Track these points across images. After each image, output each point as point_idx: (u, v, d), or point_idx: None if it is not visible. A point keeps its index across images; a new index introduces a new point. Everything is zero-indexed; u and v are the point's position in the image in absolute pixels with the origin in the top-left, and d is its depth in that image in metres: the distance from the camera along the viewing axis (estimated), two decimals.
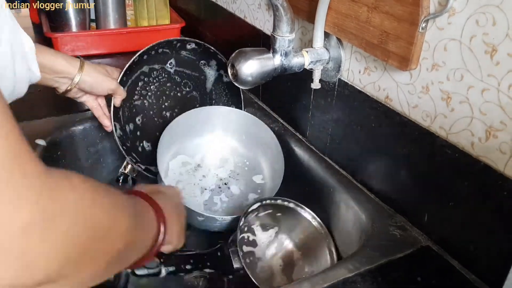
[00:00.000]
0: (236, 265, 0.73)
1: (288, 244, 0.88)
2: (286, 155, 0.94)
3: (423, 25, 0.62)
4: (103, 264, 0.37)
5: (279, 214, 0.85)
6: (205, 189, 0.95)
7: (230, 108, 0.98)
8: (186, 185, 0.93)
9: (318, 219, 0.82)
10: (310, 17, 0.79)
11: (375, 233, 0.70)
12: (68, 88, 0.77)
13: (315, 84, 0.82)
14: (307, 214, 0.83)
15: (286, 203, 0.83)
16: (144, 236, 0.47)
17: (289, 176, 0.94)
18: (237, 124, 0.97)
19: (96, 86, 0.80)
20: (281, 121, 1.00)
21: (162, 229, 0.51)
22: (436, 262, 0.66)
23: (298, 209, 0.84)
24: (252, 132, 0.96)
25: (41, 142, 0.85)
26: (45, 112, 0.96)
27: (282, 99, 0.99)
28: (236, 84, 0.76)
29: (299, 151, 0.91)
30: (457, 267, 0.65)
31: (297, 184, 0.93)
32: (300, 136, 0.95)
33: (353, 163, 0.82)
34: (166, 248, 0.57)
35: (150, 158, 0.92)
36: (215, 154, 0.99)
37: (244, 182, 0.96)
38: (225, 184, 0.96)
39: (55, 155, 0.88)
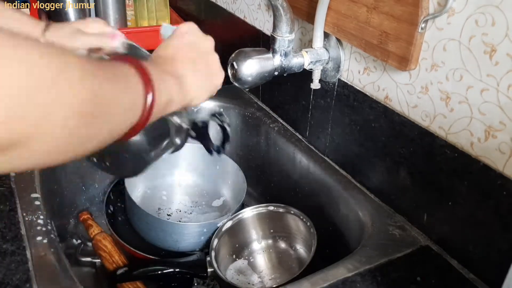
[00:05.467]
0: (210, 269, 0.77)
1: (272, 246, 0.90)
2: (286, 155, 0.95)
3: (423, 25, 0.62)
4: (59, 129, 0.30)
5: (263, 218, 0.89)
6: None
7: (191, 144, 1.02)
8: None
9: (304, 218, 0.83)
10: (310, 18, 0.79)
11: (375, 233, 0.70)
12: None
13: (315, 84, 0.82)
14: (291, 215, 0.86)
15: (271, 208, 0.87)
16: (122, 102, 0.37)
17: (289, 177, 0.95)
18: (198, 159, 1.04)
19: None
20: (281, 121, 1.00)
21: (149, 97, 0.39)
22: (435, 262, 0.66)
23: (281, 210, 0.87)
24: (212, 163, 1.03)
25: None
26: None
27: (282, 99, 0.99)
28: (236, 84, 0.76)
29: (298, 151, 0.92)
30: (456, 266, 0.65)
31: (297, 184, 0.93)
32: (300, 136, 0.95)
33: (353, 163, 0.83)
34: (196, 102, 0.51)
35: None
36: (178, 193, 1.05)
37: (206, 209, 1.01)
38: (190, 213, 1.00)
39: None
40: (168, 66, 0.48)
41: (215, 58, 0.55)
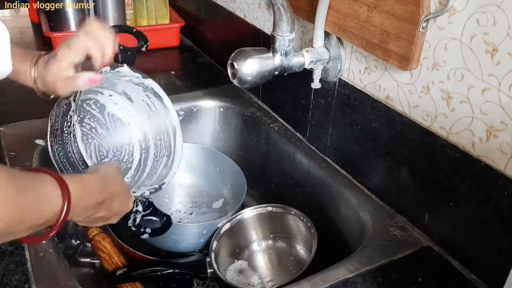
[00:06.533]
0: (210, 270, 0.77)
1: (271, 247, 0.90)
2: (287, 155, 0.94)
3: (424, 24, 0.61)
4: None
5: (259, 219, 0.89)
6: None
7: (190, 144, 1.03)
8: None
9: (305, 219, 0.83)
10: (310, 17, 0.79)
11: (376, 233, 0.70)
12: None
13: (315, 84, 0.81)
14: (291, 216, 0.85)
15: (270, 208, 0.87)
16: (37, 212, 0.46)
17: (289, 177, 0.94)
18: (198, 159, 1.03)
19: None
20: (281, 121, 1.00)
21: (65, 205, 0.49)
22: (436, 262, 0.65)
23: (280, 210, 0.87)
24: (212, 164, 1.02)
25: (40, 142, 0.85)
26: (45, 112, 0.95)
27: (282, 99, 0.99)
28: (236, 84, 0.75)
29: (299, 151, 0.91)
30: (457, 267, 0.65)
31: (297, 184, 0.92)
32: (300, 136, 0.95)
33: (354, 163, 0.82)
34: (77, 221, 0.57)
35: None
36: (178, 193, 1.04)
37: (206, 209, 1.01)
38: (190, 214, 1.00)
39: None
40: (99, 206, 0.55)
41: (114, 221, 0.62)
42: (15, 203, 0.42)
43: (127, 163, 0.80)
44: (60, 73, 0.60)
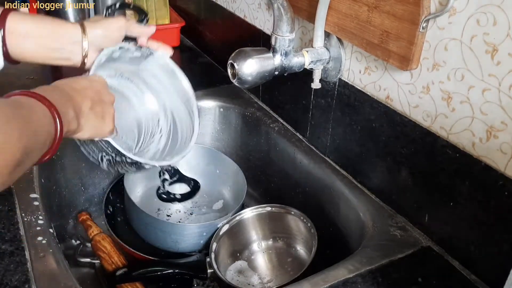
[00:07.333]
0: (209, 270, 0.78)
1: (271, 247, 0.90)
2: (287, 155, 0.94)
3: (424, 24, 0.61)
4: (6, 173, 0.41)
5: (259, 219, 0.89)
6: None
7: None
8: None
9: (305, 219, 0.83)
10: (310, 17, 0.79)
11: (376, 234, 0.70)
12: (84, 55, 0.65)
13: (315, 84, 0.81)
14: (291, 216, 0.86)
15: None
16: (40, 137, 0.47)
17: (289, 177, 0.94)
18: (198, 159, 1.03)
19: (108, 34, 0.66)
20: (281, 121, 1.00)
21: (58, 124, 0.50)
22: (436, 263, 0.65)
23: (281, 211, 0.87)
24: (212, 164, 1.02)
25: None
26: None
27: (282, 99, 0.99)
28: (236, 84, 0.75)
29: (299, 151, 0.91)
30: (457, 267, 0.65)
31: (297, 185, 0.92)
32: (300, 136, 0.95)
33: (354, 163, 0.82)
34: (81, 135, 0.57)
35: None
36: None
37: (206, 210, 1.01)
38: (190, 214, 1.00)
39: (54, 156, 0.88)
40: (76, 98, 0.56)
41: (111, 112, 0.62)
42: (26, 138, 0.43)
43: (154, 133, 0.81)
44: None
